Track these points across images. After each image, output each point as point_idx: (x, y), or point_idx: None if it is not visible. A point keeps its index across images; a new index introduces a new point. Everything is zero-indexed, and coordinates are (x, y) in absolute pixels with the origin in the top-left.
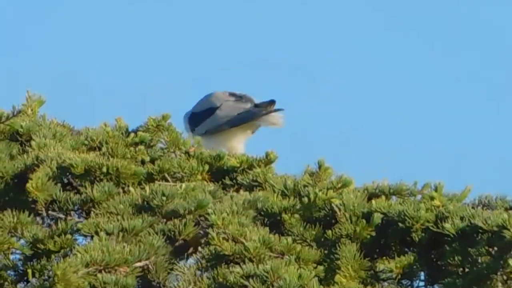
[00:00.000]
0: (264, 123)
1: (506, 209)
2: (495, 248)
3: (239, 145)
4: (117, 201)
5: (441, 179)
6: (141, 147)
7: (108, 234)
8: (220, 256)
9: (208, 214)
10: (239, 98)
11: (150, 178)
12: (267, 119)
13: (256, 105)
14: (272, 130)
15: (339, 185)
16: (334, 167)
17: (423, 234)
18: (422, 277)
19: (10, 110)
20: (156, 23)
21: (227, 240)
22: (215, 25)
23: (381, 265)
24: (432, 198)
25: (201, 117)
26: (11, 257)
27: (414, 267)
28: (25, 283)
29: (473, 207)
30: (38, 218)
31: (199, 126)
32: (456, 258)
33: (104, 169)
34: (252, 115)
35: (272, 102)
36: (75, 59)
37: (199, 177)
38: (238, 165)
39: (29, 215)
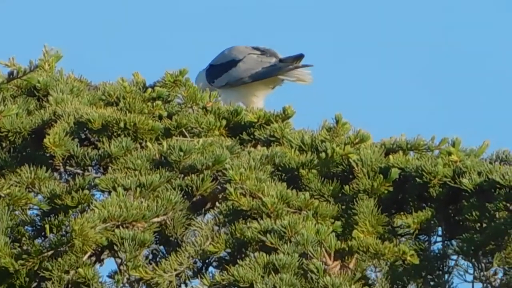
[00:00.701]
0: (291, 79)
1: None
2: None
3: (259, 100)
4: (134, 157)
5: (458, 134)
6: (159, 102)
7: (125, 189)
8: (238, 212)
9: (225, 169)
10: (263, 52)
11: (167, 133)
12: (294, 74)
13: (281, 60)
14: (296, 85)
15: (357, 140)
16: (351, 122)
17: (440, 189)
18: (440, 233)
19: (27, 65)
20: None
21: (245, 196)
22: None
23: (398, 221)
24: (449, 153)
25: (222, 69)
26: (29, 212)
27: (432, 222)
28: (42, 238)
29: (490, 162)
30: (55, 174)
31: (219, 78)
32: (473, 213)
33: (122, 124)
34: (277, 69)
35: (300, 56)
36: None
37: (217, 132)
38: (256, 120)
39: (46, 171)
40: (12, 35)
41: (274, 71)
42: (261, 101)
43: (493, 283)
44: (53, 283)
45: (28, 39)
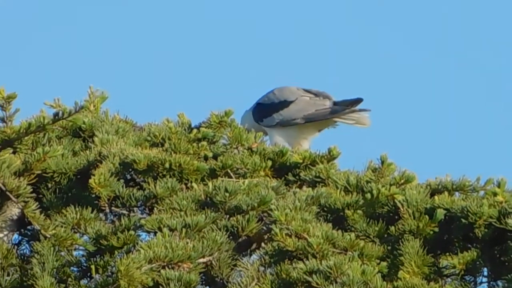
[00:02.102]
0: (349, 122)
1: None
2: None
3: (308, 141)
4: (180, 197)
5: (504, 174)
6: (204, 143)
7: (171, 230)
8: (283, 252)
9: (271, 210)
10: (315, 94)
11: (213, 174)
12: (353, 117)
13: (335, 103)
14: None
15: (402, 181)
16: (397, 162)
17: (486, 230)
18: (485, 273)
19: (72, 106)
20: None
21: (290, 236)
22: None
23: (444, 261)
24: (495, 194)
25: (272, 109)
26: (75, 253)
27: (477, 263)
28: (88, 279)
29: None
30: (101, 214)
31: (269, 117)
32: None
33: (167, 165)
34: (334, 112)
35: (358, 100)
36: None
37: (262, 173)
38: (301, 161)
39: (92, 211)
40: (57, 76)
41: (330, 114)
42: (308, 143)
43: None
44: None
45: (74, 80)
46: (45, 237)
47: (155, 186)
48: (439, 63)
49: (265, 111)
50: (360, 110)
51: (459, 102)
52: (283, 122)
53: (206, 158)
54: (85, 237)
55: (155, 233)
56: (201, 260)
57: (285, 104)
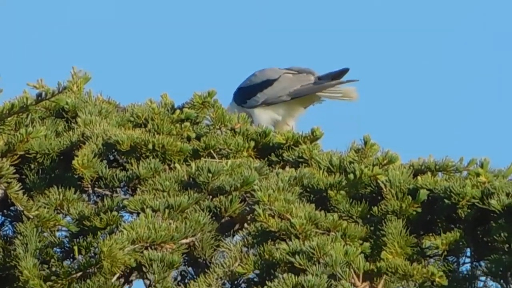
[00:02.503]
0: (336, 95)
1: None
2: None
3: (294, 119)
4: (163, 178)
5: (486, 155)
6: (187, 123)
7: (154, 211)
8: (266, 233)
9: (254, 190)
10: (298, 71)
11: (196, 155)
12: (339, 91)
13: (319, 77)
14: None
15: (385, 162)
16: (380, 143)
17: (469, 211)
18: (468, 254)
19: (55, 87)
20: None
21: (273, 217)
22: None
23: (427, 242)
24: (478, 175)
25: (255, 90)
26: (58, 234)
27: (460, 243)
28: (71, 260)
29: None
30: (84, 195)
31: (253, 98)
32: (502, 234)
33: (150, 146)
34: (319, 86)
35: (344, 70)
36: None
37: (245, 153)
38: (284, 141)
39: (75, 192)
40: (40, 56)
41: (316, 88)
42: (294, 121)
43: None
44: None
45: (57, 61)
46: (28, 218)
47: (138, 167)
48: (422, 41)
49: (248, 92)
50: (347, 81)
51: (443, 81)
52: (268, 101)
53: (189, 138)
54: (68, 218)
55: (138, 214)
56: (184, 241)
57: (268, 83)
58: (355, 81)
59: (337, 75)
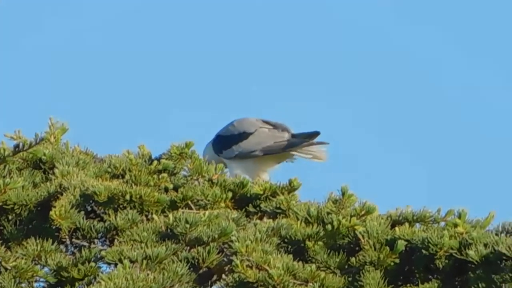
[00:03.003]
0: (306, 156)
1: None
2: None
3: (266, 173)
4: (140, 229)
5: (464, 206)
6: (164, 174)
7: (132, 261)
8: (244, 284)
9: (231, 241)
10: (274, 126)
11: (173, 205)
12: (310, 151)
13: (293, 135)
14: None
15: (363, 212)
16: (357, 194)
17: (447, 261)
18: None
19: (32, 138)
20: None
21: (251, 268)
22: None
23: None
24: (455, 225)
25: (231, 141)
26: (35, 285)
27: None
28: None
29: (496, 234)
30: (62, 246)
31: (228, 149)
32: (480, 285)
33: (128, 197)
34: (291, 145)
35: (315, 134)
36: None
37: (223, 204)
38: (262, 192)
39: (52, 243)
40: (17, 107)
41: (288, 147)
42: (267, 174)
43: None
44: None
45: (34, 112)
46: (6, 269)
47: (115, 218)
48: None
49: (225, 143)
50: (318, 143)
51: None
52: (242, 154)
53: (166, 189)
54: (46, 268)
55: (116, 264)
56: None
57: (244, 135)
58: (326, 143)
59: (309, 136)
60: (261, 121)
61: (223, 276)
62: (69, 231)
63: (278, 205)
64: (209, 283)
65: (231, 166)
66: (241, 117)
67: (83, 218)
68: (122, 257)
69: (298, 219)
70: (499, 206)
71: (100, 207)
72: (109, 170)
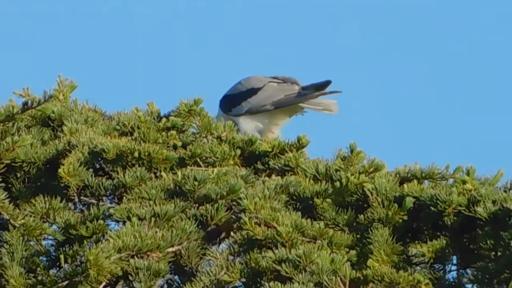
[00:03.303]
0: (317, 108)
1: None
2: None
3: (278, 128)
4: (149, 186)
5: (472, 162)
6: (173, 132)
7: (140, 219)
8: (252, 241)
9: (240, 199)
10: (283, 80)
11: (182, 163)
12: (320, 103)
13: (303, 88)
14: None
15: (371, 169)
16: (366, 150)
17: (455, 218)
18: (454, 261)
19: (41, 95)
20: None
21: (259, 225)
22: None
23: (413, 249)
24: (464, 182)
25: (240, 98)
26: (44, 242)
27: (447, 251)
28: (57, 269)
29: (505, 191)
30: (70, 204)
31: (238, 106)
32: (488, 242)
33: (136, 154)
34: (302, 96)
35: (326, 83)
36: None
37: (231, 161)
38: (270, 149)
39: (61, 201)
40: (26, 64)
41: (299, 99)
42: (279, 129)
43: None
44: None
45: (42, 69)
46: (14, 227)
47: (124, 175)
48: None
49: (233, 100)
50: (330, 92)
51: (428, 88)
52: (252, 110)
53: (175, 147)
54: (54, 226)
55: (124, 222)
56: (170, 249)
57: (253, 91)
58: (338, 92)
59: (320, 87)
60: (269, 77)
61: (231, 233)
62: (77, 189)
63: (286, 163)
64: (217, 241)
65: (241, 122)
66: (248, 76)
67: (91, 175)
68: (131, 215)
69: (306, 176)
70: (509, 164)
71: (108, 165)
72: (118, 127)
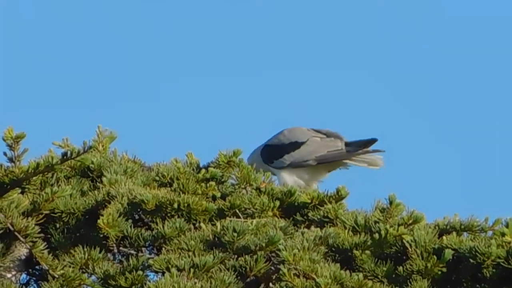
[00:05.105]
0: (361, 164)
1: None
2: None
3: (316, 182)
4: (188, 237)
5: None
6: (212, 183)
7: (179, 270)
8: None
9: (279, 250)
10: (326, 135)
11: (221, 214)
12: (365, 160)
13: (347, 144)
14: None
15: (410, 221)
16: (405, 202)
17: (494, 270)
18: None
19: (80, 146)
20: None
21: (298, 276)
22: None
23: None
24: (503, 234)
25: (282, 150)
26: None
27: None
28: None
29: None
30: (109, 254)
31: (280, 159)
32: None
33: (175, 205)
34: (346, 154)
35: (372, 141)
36: None
37: (270, 213)
38: (309, 201)
39: (100, 251)
40: (66, 115)
41: (344, 156)
42: (317, 183)
43: None
44: None
45: (82, 119)
46: (53, 277)
47: (163, 226)
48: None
49: (275, 152)
50: (374, 151)
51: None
52: (294, 164)
53: (214, 198)
54: (93, 277)
55: (163, 273)
56: None
57: (296, 145)
58: (382, 151)
59: (365, 144)
60: (312, 130)
61: (270, 284)
62: (116, 240)
63: (325, 214)
64: None
65: (282, 175)
66: (291, 126)
67: (130, 226)
68: (170, 266)
69: (345, 227)
70: None
71: (147, 216)
72: (157, 178)
